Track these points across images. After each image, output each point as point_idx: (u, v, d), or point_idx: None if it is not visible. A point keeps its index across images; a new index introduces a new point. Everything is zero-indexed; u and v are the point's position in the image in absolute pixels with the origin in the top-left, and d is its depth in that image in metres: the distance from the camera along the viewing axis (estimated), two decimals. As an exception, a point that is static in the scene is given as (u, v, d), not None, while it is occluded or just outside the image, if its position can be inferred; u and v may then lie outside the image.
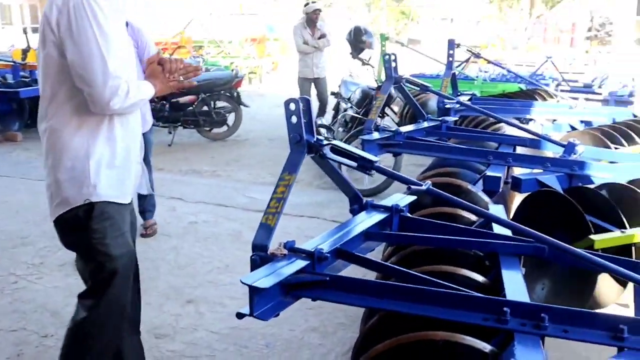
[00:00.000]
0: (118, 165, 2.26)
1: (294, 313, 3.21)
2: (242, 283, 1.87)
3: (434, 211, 2.89)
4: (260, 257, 2.09)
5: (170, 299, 3.50)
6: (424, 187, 2.11)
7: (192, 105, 7.96)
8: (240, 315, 1.91)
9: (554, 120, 5.46)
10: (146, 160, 2.84)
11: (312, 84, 8.10)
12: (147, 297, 3.42)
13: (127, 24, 2.66)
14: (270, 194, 2.01)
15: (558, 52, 15.09)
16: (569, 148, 3.50)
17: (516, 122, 4.46)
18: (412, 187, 2.13)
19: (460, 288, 1.92)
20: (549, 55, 9.36)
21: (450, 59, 5.80)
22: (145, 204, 4.60)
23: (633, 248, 2.85)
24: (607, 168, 3.42)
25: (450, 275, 2.33)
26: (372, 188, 5.69)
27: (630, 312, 3.03)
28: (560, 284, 2.82)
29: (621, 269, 2.01)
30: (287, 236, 4.64)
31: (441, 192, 2.28)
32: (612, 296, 2.92)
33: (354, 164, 2.28)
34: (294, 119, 2.28)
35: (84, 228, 2.21)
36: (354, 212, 2.60)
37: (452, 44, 5.77)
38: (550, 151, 4.04)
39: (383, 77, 7.52)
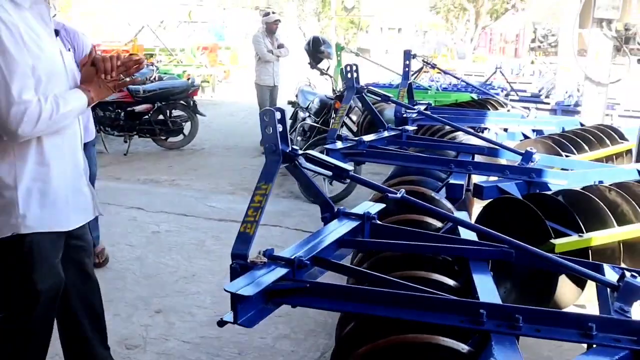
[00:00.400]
0: (53, 191, 2.06)
1: (263, 321, 3.22)
2: (226, 291, 1.89)
3: (400, 218, 2.97)
4: (240, 265, 2.13)
5: (139, 309, 3.47)
6: (398, 195, 2.18)
7: (147, 114, 7.88)
8: (222, 323, 1.94)
9: (506, 129, 5.67)
10: (91, 175, 2.59)
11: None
12: (115, 308, 3.40)
13: (60, 29, 2.52)
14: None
15: (505, 62, 15.62)
16: (527, 156, 3.64)
17: (473, 131, 4.61)
18: (389, 195, 2.19)
19: (436, 291, 2.00)
20: (498, 66, 9.70)
21: (407, 69, 5.94)
22: (91, 227, 4.38)
23: (590, 251, 3.02)
24: (562, 175, 3.58)
25: (422, 279, 2.41)
26: (333, 196, 5.75)
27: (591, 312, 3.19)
28: (522, 286, 2.94)
29: (586, 270, 2.13)
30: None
31: (415, 200, 2.35)
32: (571, 297, 3.06)
33: (329, 172, 2.33)
34: (269, 130, 2.31)
35: (9, 260, 2.07)
36: (326, 220, 2.65)
37: (408, 55, 5.91)
38: (506, 159, 4.21)
39: (340, 87, 7.66)
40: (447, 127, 5.38)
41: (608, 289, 2.05)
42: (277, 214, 5.42)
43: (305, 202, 5.80)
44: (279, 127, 2.29)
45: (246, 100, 13.62)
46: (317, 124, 6.23)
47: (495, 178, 4.09)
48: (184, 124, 8.21)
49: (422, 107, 5.77)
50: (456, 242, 2.52)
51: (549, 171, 3.58)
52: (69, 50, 2.29)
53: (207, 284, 3.86)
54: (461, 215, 2.94)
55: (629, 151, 5.48)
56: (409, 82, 5.95)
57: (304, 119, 6.62)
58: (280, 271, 2.03)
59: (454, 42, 37.82)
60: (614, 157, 5.25)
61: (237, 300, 1.90)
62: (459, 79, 8.12)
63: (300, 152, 2.34)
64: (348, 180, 2.31)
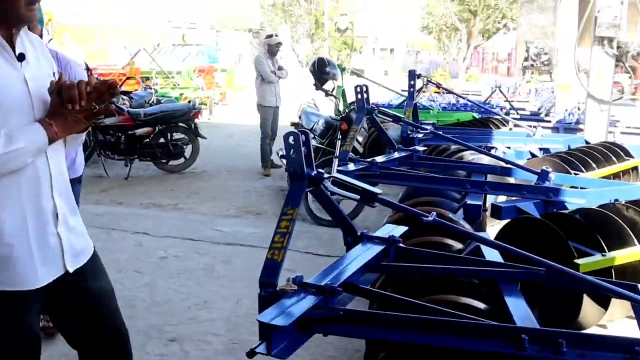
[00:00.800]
0: (8, 242, 1.74)
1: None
2: (259, 322, 1.83)
3: (421, 240, 2.93)
4: (269, 293, 2.06)
5: (152, 338, 3.39)
6: (431, 219, 2.13)
7: (148, 137, 7.83)
8: (252, 354, 1.86)
9: (508, 147, 5.65)
10: None
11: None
12: (128, 338, 3.31)
13: (53, 56, 2.26)
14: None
15: (500, 81, 15.73)
16: (543, 175, 3.61)
17: (485, 150, 4.59)
18: (424, 219, 2.14)
19: (472, 316, 1.94)
20: (497, 84, 9.74)
21: (412, 89, 5.93)
22: None
23: (612, 270, 2.98)
24: (580, 194, 3.55)
25: (452, 303, 2.36)
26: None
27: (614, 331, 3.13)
28: (547, 308, 2.89)
29: (623, 290, 2.09)
30: (259, 269, 4.63)
31: (447, 222, 2.31)
32: (594, 318, 3.01)
33: (356, 196, 2.28)
34: (294, 153, 2.26)
35: None
36: (349, 244, 2.60)
37: (413, 75, 5.89)
38: (518, 178, 4.17)
39: (341, 108, 7.66)
40: (454, 147, 5.38)
41: (648, 311, 2.01)
42: (284, 237, 5.34)
43: (313, 225, 5.74)
44: (304, 150, 2.25)
45: (244, 122, 13.62)
46: (322, 145, 6.20)
47: (504, 198, 4.07)
48: (185, 147, 8.17)
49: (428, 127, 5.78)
50: (483, 264, 2.47)
51: (567, 190, 3.55)
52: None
53: (220, 311, 3.78)
54: (485, 236, 2.89)
55: (634, 168, 5.47)
56: (414, 102, 5.94)
57: (308, 141, 6.58)
58: (312, 299, 1.97)
59: (447, 62, 38.19)
60: (621, 174, 5.24)
61: (269, 331, 1.83)
62: (464, 98, 8.12)
63: (326, 175, 2.29)
64: (377, 205, 2.25)
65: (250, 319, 3.62)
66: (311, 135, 6.48)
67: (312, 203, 5.87)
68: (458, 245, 3.07)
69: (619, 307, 3.04)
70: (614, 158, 5.31)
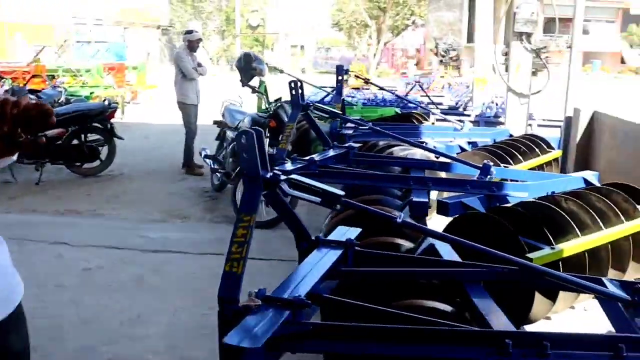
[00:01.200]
0: None
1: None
2: (225, 345, 1.64)
3: (371, 241, 2.83)
4: (231, 310, 1.87)
5: (86, 361, 3.09)
6: (399, 220, 2.01)
7: (60, 139, 7.30)
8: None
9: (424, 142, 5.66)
10: None
11: None
12: (58, 363, 3.00)
13: None
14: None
15: (414, 77, 16.05)
16: (485, 170, 3.61)
17: (425, 146, 4.56)
18: (396, 220, 2.01)
19: (457, 324, 1.85)
20: (416, 80, 9.87)
21: (340, 84, 5.84)
22: None
23: (560, 263, 3.00)
24: (522, 187, 3.57)
25: (418, 307, 2.27)
26: (271, 219, 5.51)
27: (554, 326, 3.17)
28: (499, 304, 2.86)
29: (595, 285, 2.06)
30: (194, 277, 4.40)
31: (414, 223, 2.20)
32: (543, 312, 3.03)
33: (317, 199, 2.13)
34: (248, 153, 2.08)
35: None
36: (302, 249, 2.45)
37: (341, 70, 5.82)
38: (458, 173, 4.17)
39: (263, 105, 7.45)
40: (382, 143, 5.34)
41: (620, 304, 1.99)
42: (217, 242, 5.10)
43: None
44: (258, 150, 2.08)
45: (159, 122, 13.11)
46: (249, 143, 5.97)
47: (446, 194, 4.06)
48: (100, 148, 7.69)
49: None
50: (445, 264, 2.39)
51: (510, 184, 3.56)
52: None
53: (156, 326, 3.52)
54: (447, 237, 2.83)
55: (556, 159, 5.67)
56: (342, 97, 5.86)
57: (234, 140, 6.35)
58: (280, 315, 1.80)
59: (357, 58, 38.66)
60: (544, 165, 5.41)
61: (239, 355, 1.65)
62: (393, 93, 8.13)
63: (282, 177, 2.13)
64: (338, 207, 2.11)
65: (190, 333, 3.38)
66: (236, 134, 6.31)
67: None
68: (408, 245, 3.00)
69: (563, 299, 3.08)
70: (537, 150, 5.47)
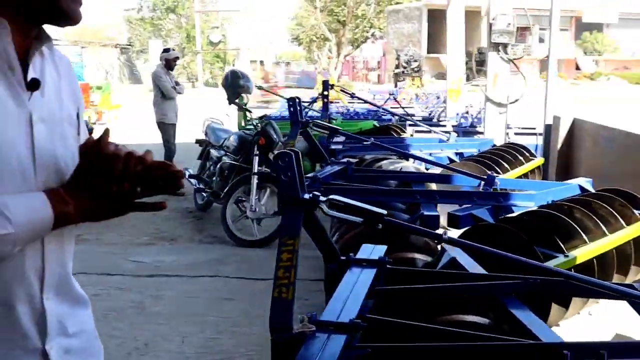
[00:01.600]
0: None
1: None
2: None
3: (391, 257, 2.83)
4: (285, 338, 1.83)
5: (102, 396, 2.98)
6: (446, 237, 2.01)
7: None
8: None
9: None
10: None
11: None
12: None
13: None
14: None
15: (379, 89, 16.22)
16: (490, 181, 3.65)
17: (430, 159, 4.58)
18: (445, 237, 2.01)
19: (520, 339, 1.85)
20: (391, 92, 9.97)
21: (326, 100, 5.86)
22: None
23: (573, 270, 3.05)
24: (529, 197, 3.62)
25: (459, 323, 2.27)
26: (264, 238, 5.46)
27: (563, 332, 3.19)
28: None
29: (632, 291, 2.09)
30: (194, 300, 4.31)
31: (458, 239, 2.20)
32: (557, 318, 3.07)
33: (358, 219, 2.11)
34: (286, 176, 2.05)
35: None
36: (332, 270, 2.43)
37: (326, 85, 5.85)
38: (458, 184, 4.21)
39: (243, 122, 7.41)
40: (369, 157, 5.36)
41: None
42: (211, 263, 5.04)
43: (235, 247, 5.47)
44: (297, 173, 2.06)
45: (128, 142, 12.81)
46: (237, 162, 5.92)
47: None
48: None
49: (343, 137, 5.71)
50: (478, 278, 2.40)
51: (516, 194, 3.61)
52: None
53: (166, 354, 3.43)
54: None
55: (538, 167, 5.79)
56: (328, 112, 5.87)
57: (219, 158, 6.28)
58: (339, 340, 1.77)
59: (318, 72, 38.87)
60: (529, 173, 5.51)
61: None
62: (378, 107, 8.17)
63: (322, 198, 2.11)
64: (380, 226, 2.09)
65: (203, 358, 3.31)
66: (223, 152, 6.23)
67: (232, 224, 5.59)
68: (427, 259, 3.01)
69: (573, 306, 3.13)
70: (521, 158, 5.57)
